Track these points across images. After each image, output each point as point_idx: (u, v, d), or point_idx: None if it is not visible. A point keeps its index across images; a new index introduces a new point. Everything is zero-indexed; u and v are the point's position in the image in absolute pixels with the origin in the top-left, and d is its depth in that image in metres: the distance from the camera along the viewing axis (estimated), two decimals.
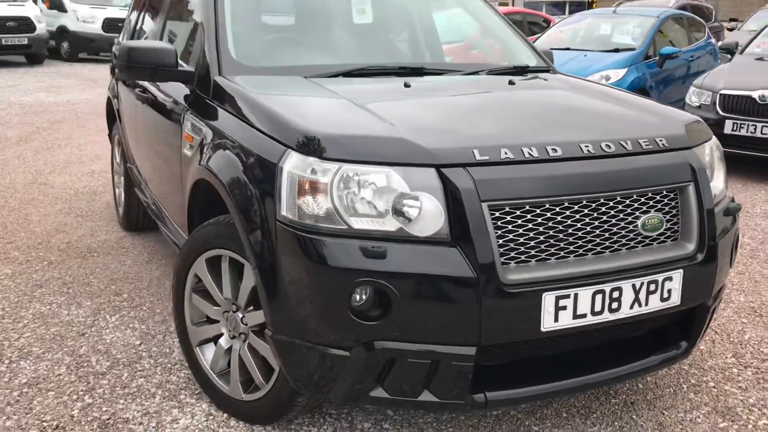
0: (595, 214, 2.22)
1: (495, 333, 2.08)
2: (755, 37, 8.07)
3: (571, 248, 2.19)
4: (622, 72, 8.14)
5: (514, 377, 2.25)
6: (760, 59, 7.60)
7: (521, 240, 2.12)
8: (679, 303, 2.34)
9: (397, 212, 2.07)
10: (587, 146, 2.28)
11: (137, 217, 4.80)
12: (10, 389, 2.86)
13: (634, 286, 2.22)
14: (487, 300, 2.03)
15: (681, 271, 2.31)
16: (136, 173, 4.36)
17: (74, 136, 8.54)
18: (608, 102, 2.87)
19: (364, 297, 2.06)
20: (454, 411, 2.52)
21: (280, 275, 2.17)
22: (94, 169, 6.89)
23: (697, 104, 6.97)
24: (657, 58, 8.64)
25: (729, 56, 8.39)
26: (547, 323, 2.12)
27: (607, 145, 2.31)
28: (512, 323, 2.10)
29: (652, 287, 2.26)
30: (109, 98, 4.97)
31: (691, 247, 2.37)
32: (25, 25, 16.27)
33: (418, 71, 3.07)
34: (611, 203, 2.25)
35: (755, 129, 6.50)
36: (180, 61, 3.03)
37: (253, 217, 2.26)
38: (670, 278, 2.29)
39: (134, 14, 4.76)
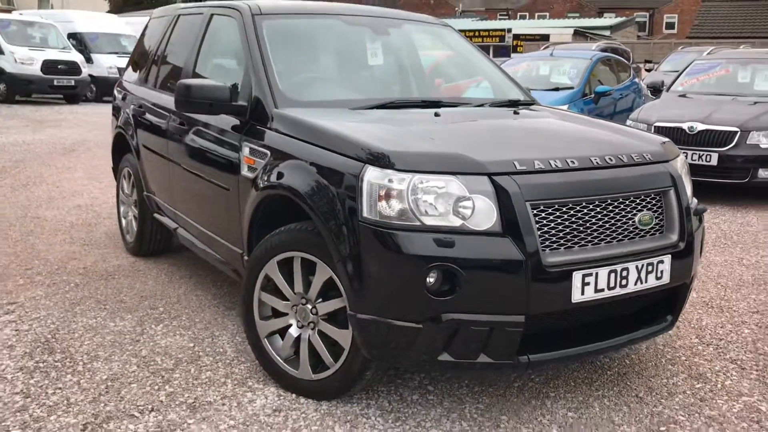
0: (605, 212, 2.84)
1: (539, 304, 2.66)
2: (678, 77, 9.09)
3: (589, 238, 2.79)
4: (564, 108, 8.99)
5: (548, 344, 2.81)
6: (683, 96, 8.59)
7: (554, 231, 2.71)
8: (668, 281, 2.97)
9: (458, 211, 2.63)
10: (595, 159, 2.91)
11: (150, 242, 5.17)
12: (95, 383, 3.24)
13: (637, 267, 2.84)
14: (533, 278, 2.61)
15: (669, 256, 2.95)
16: (157, 201, 4.77)
17: (44, 175, 8.75)
18: (596, 127, 3.53)
19: (435, 278, 2.60)
20: (504, 369, 3.07)
21: (364, 265, 2.69)
22: (80, 204, 7.16)
23: None
24: (593, 95, 9.57)
25: (652, 94, 9.40)
26: (576, 296, 2.70)
27: (609, 158, 2.95)
28: (551, 296, 2.67)
29: (650, 268, 2.89)
30: (120, 134, 5.34)
31: (674, 237, 3.02)
32: None
33: (437, 104, 3.67)
34: (615, 203, 2.88)
35: (686, 156, 7.39)
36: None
37: (335, 220, 2.77)
38: (662, 261, 2.93)
39: (149, 47, 5.18)
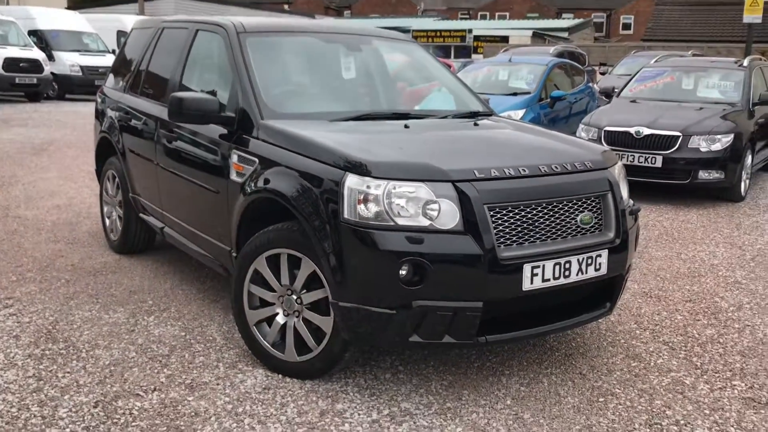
0: (551, 212, 3.30)
1: (494, 291, 3.11)
2: (628, 83, 9.68)
3: (538, 235, 3.25)
4: (521, 112, 9.53)
5: (503, 326, 3.26)
6: (633, 101, 9.17)
7: (508, 229, 3.16)
8: (605, 272, 3.45)
9: (426, 212, 3.06)
10: (544, 167, 3.37)
11: (134, 240, 5.51)
12: (100, 368, 3.59)
13: (578, 260, 3.31)
14: (489, 269, 3.06)
15: (606, 250, 3.43)
16: (143, 202, 5.11)
17: (19, 175, 8.95)
18: (545, 137, 3.99)
19: (407, 270, 3.03)
20: (465, 347, 3.59)
21: (344, 260, 3.10)
22: (58, 204, 7.42)
23: (587, 139, 8.37)
24: (549, 100, 10.12)
25: (606, 99, 9.96)
26: (526, 285, 3.16)
27: (555, 166, 3.41)
28: (505, 285, 3.13)
29: (589, 261, 3.36)
30: (104, 138, 5.65)
31: (611, 234, 3.50)
32: None
33: (406, 116, 4.10)
34: (560, 205, 3.34)
35: (633, 158, 7.96)
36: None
37: (319, 221, 3.18)
38: (600, 255, 3.40)
39: (132, 57, 5.51)
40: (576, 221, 3.39)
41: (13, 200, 7.48)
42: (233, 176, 3.80)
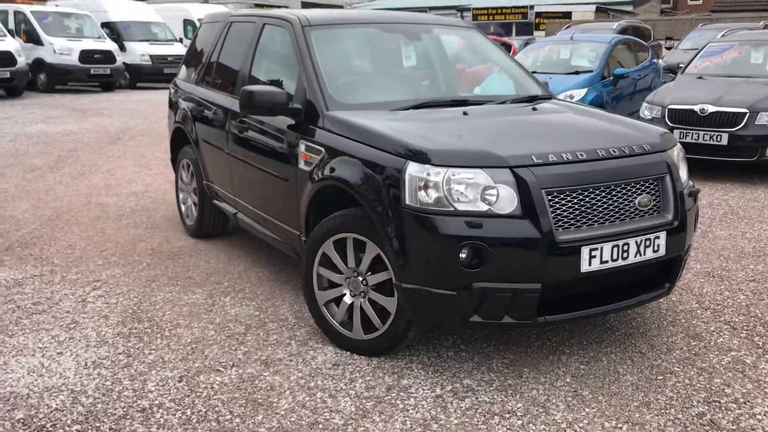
0: (609, 196, 3.39)
1: (553, 274, 3.23)
2: (693, 59, 9.50)
3: (596, 218, 3.35)
4: (584, 91, 9.48)
5: (563, 307, 3.38)
6: (700, 77, 9.01)
7: (566, 213, 3.27)
8: (664, 254, 3.52)
9: (485, 198, 3.20)
10: (601, 151, 3.45)
11: (209, 226, 5.81)
12: (182, 345, 3.88)
13: (636, 242, 3.39)
14: (548, 252, 3.18)
15: (665, 232, 3.50)
16: (216, 189, 5.39)
17: (98, 163, 9.43)
18: (603, 120, 4.06)
19: (467, 254, 3.18)
20: (524, 327, 3.73)
21: (407, 244, 3.27)
22: (135, 191, 7.82)
23: (650, 117, 8.30)
24: (611, 78, 10.01)
25: (672, 75, 9.79)
26: (584, 267, 3.27)
27: (613, 150, 3.49)
28: (563, 267, 3.24)
29: (647, 242, 3.44)
30: (178, 128, 5.95)
31: (669, 216, 3.56)
32: (6, 59, 17.04)
33: (465, 102, 4.23)
34: (618, 188, 3.42)
35: (698, 136, 7.86)
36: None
37: (382, 207, 3.36)
38: (658, 237, 3.47)
39: (203, 50, 5.78)
40: (635, 204, 3.46)
41: (94, 188, 7.92)
42: (301, 165, 4.00)
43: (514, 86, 4.86)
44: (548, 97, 4.64)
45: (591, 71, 9.98)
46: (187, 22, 25.55)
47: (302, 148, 4.01)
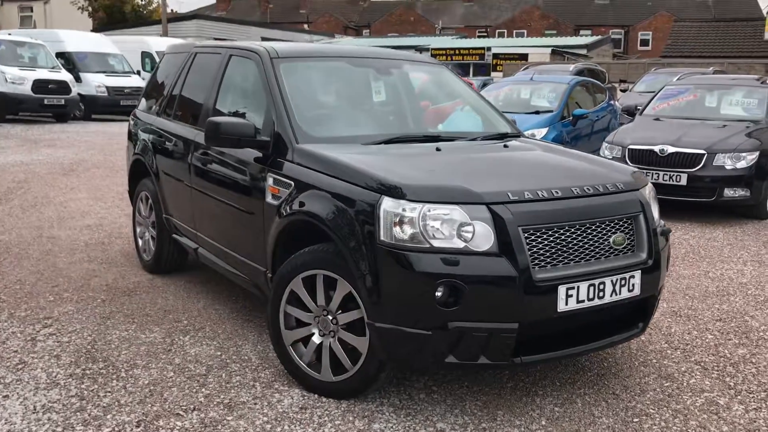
0: (584, 234, 3.35)
1: (530, 313, 3.15)
2: (651, 101, 9.70)
3: (572, 256, 3.29)
4: (545, 131, 9.58)
5: (538, 347, 3.30)
6: (657, 119, 9.19)
7: (542, 251, 3.21)
8: (639, 293, 3.48)
9: (461, 234, 3.12)
10: (576, 189, 3.41)
11: (167, 260, 5.61)
12: (140, 387, 3.67)
13: (612, 281, 3.35)
14: (525, 291, 3.10)
15: (639, 271, 3.46)
16: (177, 223, 5.22)
17: (50, 195, 9.12)
18: (574, 159, 4.04)
19: (443, 292, 3.08)
20: (500, 369, 3.61)
21: (381, 281, 3.16)
22: (89, 224, 7.56)
23: (610, 157, 8.40)
24: (571, 118, 10.16)
25: (629, 117, 9.98)
26: (561, 306, 3.20)
27: (587, 188, 3.46)
28: (540, 307, 3.17)
29: (623, 282, 3.39)
30: (138, 160, 5.77)
31: (643, 255, 3.53)
32: None
33: (436, 138, 4.18)
34: (593, 227, 3.38)
35: (658, 176, 7.97)
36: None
37: (355, 243, 3.25)
38: (633, 276, 3.43)
39: (165, 81, 5.64)
40: (609, 242, 3.42)
41: (46, 221, 7.63)
42: (269, 199, 3.88)
43: (482, 123, 4.84)
44: (517, 135, 4.62)
45: (551, 111, 10.11)
46: (145, 55, 25.32)
47: (270, 181, 3.89)
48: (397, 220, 3.15)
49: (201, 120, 4.82)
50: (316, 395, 3.60)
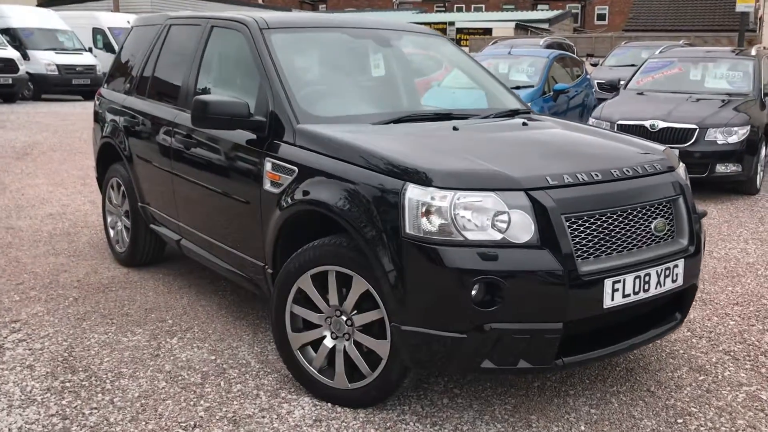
0: (627, 221, 3.03)
1: (575, 310, 2.82)
2: (633, 75, 9.46)
3: (615, 246, 2.97)
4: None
5: (578, 346, 2.98)
6: (641, 93, 8.95)
7: (585, 241, 2.88)
8: (682, 283, 3.19)
9: (497, 225, 2.77)
10: (615, 171, 3.09)
11: (143, 252, 5.16)
12: (130, 401, 3.26)
13: (657, 271, 3.04)
14: (570, 286, 2.77)
15: (683, 260, 3.17)
16: (155, 212, 4.76)
17: (5, 182, 8.51)
18: (602, 137, 3.72)
19: (479, 290, 2.74)
20: (541, 373, 3.26)
21: (408, 279, 2.80)
22: (51, 212, 7.02)
23: None
24: (551, 93, 9.87)
25: (608, 91, 9.73)
26: (607, 302, 2.89)
27: (626, 170, 3.14)
28: (586, 303, 2.85)
29: (667, 272, 3.09)
30: (107, 144, 5.28)
31: (685, 242, 3.24)
32: None
33: (447, 116, 3.81)
34: (634, 212, 3.07)
35: None
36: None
37: (376, 236, 2.88)
38: (677, 265, 3.14)
39: (135, 57, 5.14)
40: (650, 229, 3.11)
41: (3, 210, 7.07)
42: (267, 186, 3.48)
43: (486, 98, 4.49)
44: (527, 111, 4.28)
45: (531, 86, 9.80)
46: (97, 31, 24.25)
47: (268, 166, 3.48)
48: (425, 209, 2.78)
49: (182, 99, 4.37)
50: (329, 404, 3.24)
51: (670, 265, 3.11)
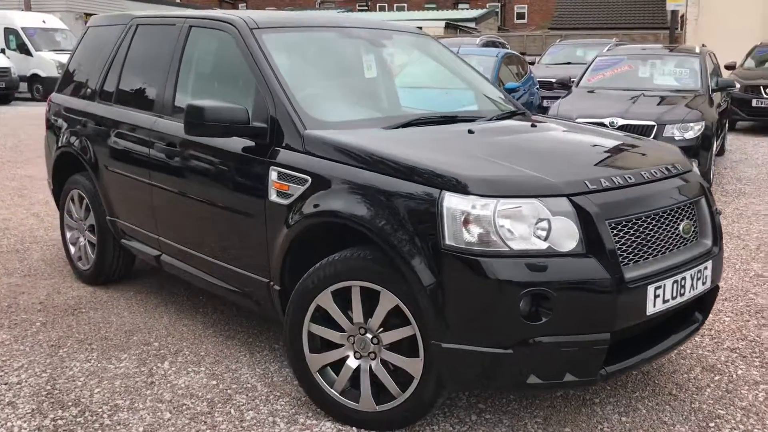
0: (659, 223, 2.95)
1: (622, 320, 2.72)
2: (584, 73, 9.55)
3: (651, 250, 2.89)
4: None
5: (616, 354, 2.88)
6: (592, 91, 9.05)
7: (625, 247, 2.79)
8: (709, 285, 3.14)
9: (542, 233, 2.64)
10: (645, 173, 3.01)
11: (112, 269, 4.81)
12: None
13: (691, 275, 2.98)
14: (618, 294, 2.67)
15: (711, 261, 3.12)
16: (127, 226, 4.43)
17: None
18: (613, 138, 3.64)
19: (527, 302, 2.60)
20: (586, 386, 3.13)
21: (449, 293, 2.64)
22: None
23: None
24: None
25: (559, 89, 9.81)
26: (650, 309, 2.80)
27: (654, 172, 3.06)
28: (631, 311, 2.75)
29: (699, 275, 3.03)
30: (66, 153, 4.90)
31: (709, 243, 3.19)
32: None
33: (453, 119, 3.66)
34: (665, 214, 2.99)
35: None
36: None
37: (411, 248, 2.70)
38: (706, 267, 3.08)
39: (97, 59, 4.77)
40: (678, 231, 3.05)
41: None
42: (273, 197, 3.24)
43: (475, 99, 4.38)
44: (523, 112, 4.18)
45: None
46: (9, 31, 22.96)
47: (274, 176, 3.25)
48: (466, 219, 2.62)
49: (159, 105, 4.08)
50: (353, 429, 3.04)
51: (701, 267, 3.05)
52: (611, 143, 3.51)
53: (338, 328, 3.02)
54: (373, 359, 2.97)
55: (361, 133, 3.19)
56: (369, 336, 2.96)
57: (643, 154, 3.32)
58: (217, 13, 3.97)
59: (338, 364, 3.06)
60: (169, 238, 4.07)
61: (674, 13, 16.80)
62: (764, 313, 4.46)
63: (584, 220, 2.68)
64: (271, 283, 3.34)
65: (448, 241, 2.64)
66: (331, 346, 3.06)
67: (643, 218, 2.88)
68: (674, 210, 3.04)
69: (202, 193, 3.69)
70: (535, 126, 3.67)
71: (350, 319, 2.98)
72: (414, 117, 3.54)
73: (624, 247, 2.78)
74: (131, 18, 4.67)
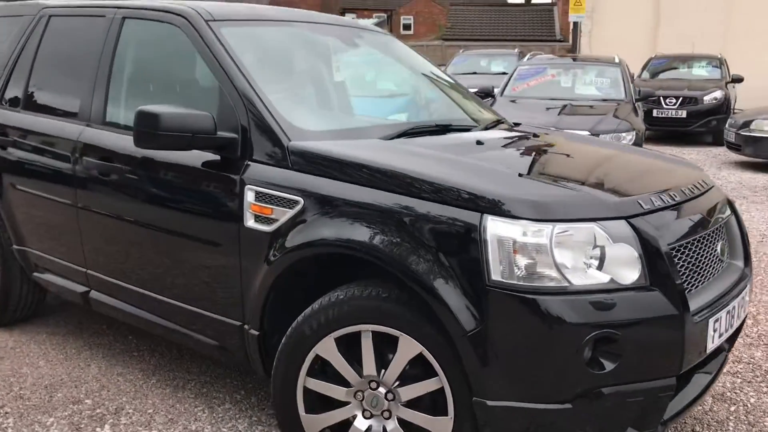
0: (703, 245, 2.61)
1: (686, 361, 2.34)
2: (508, 82, 9.37)
3: (699, 277, 2.54)
4: (405, 116, 8.82)
5: None
6: (514, 101, 8.88)
7: (683, 275, 2.41)
8: (746, 314, 2.83)
9: (604, 264, 2.22)
10: (686, 191, 2.66)
11: (18, 308, 4.03)
12: None
13: (737, 303, 2.65)
14: (687, 331, 2.29)
15: (749, 285, 2.81)
16: (42, 256, 3.68)
17: None
18: (633, 152, 3.30)
19: (591, 347, 2.17)
20: None
21: (498, 339, 2.17)
22: None
23: None
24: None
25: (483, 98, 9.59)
26: (709, 345, 2.44)
27: (690, 189, 2.72)
28: (694, 350, 2.38)
29: (742, 302, 2.72)
30: None
31: (741, 264, 2.89)
32: None
33: (447, 128, 3.21)
34: (707, 235, 2.66)
35: None
36: None
37: (446, 286, 2.21)
38: (746, 292, 2.77)
39: None
40: (716, 253, 2.72)
41: None
42: (250, 222, 2.66)
43: (447, 109, 3.97)
44: (501, 120, 3.79)
45: (406, 95, 9.37)
46: None
47: (250, 196, 2.67)
48: (518, 249, 2.17)
49: (85, 112, 3.39)
50: None
51: (744, 293, 2.74)
52: (634, 157, 3.17)
53: (343, 382, 2.48)
54: (387, 418, 2.45)
55: (361, 145, 2.67)
56: (382, 390, 2.44)
57: (667, 170, 2.98)
58: (158, 2, 3.33)
59: (343, 426, 2.52)
60: (102, 271, 3.37)
61: (576, 24, 17.17)
62: (747, 330, 4.27)
63: (646, 246, 2.28)
64: (246, 326, 2.75)
65: (494, 276, 2.17)
66: (334, 404, 2.51)
67: (693, 240, 2.53)
68: (714, 230, 2.71)
69: (149, 217, 3.04)
70: (537, 136, 3.28)
71: (359, 372, 2.45)
72: (409, 126, 3.05)
73: (682, 276, 2.40)
74: (40, 8, 3.91)
